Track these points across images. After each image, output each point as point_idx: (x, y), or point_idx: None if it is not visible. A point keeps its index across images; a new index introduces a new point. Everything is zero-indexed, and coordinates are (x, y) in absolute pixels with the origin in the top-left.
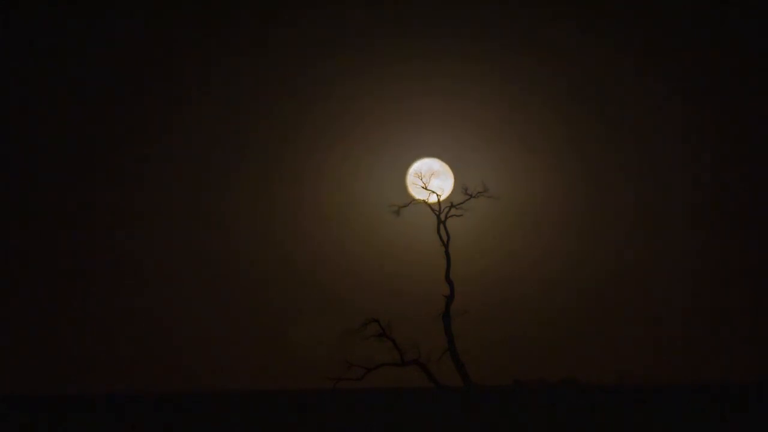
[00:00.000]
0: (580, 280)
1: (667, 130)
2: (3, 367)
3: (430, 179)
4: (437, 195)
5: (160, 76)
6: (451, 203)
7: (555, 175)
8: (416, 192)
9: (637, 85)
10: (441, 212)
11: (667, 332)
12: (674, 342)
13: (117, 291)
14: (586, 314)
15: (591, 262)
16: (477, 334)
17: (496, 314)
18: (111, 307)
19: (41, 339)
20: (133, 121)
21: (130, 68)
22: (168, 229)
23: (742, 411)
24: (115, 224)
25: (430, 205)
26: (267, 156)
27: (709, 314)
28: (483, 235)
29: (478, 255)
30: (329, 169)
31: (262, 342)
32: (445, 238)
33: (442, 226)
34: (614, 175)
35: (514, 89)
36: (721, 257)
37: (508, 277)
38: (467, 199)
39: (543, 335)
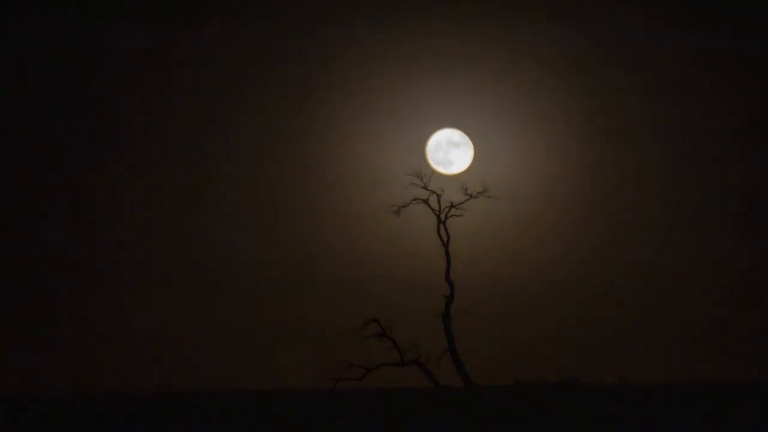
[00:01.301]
0: (580, 280)
1: (702, 126)
2: (3, 367)
3: (449, 150)
4: (438, 195)
5: (153, 67)
6: (451, 203)
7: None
8: (434, 164)
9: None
10: (441, 212)
11: (668, 332)
12: (675, 342)
13: (116, 291)
14: (587, 314)
15: (592, 262)
16: (477, 334)
17: (496, 314)
18: (111, 307)
19: (41, 339)
20: (127, 115)
21: (123, 62)
22: (166, 227)
23: (741, 411)
24: (114, 222)
25: (430, 205)
26: (269, 152)
27: (710, 315)
28: (483, 235)
29: (479, 255)
30: (342, 148)
31: (262, 342)
32: (445, 238)
33: (442, 226)
34: (635, 165)
35: (540, 57)
36: (722, 257)
37: (508, 277)
38: (467, 199)
39: (543, 335)
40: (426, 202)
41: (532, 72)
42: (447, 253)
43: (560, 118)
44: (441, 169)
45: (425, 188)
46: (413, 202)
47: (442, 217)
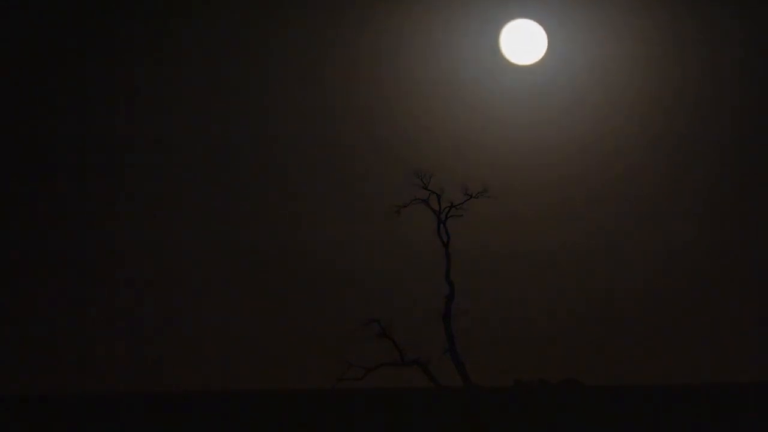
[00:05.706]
0: (581, 280)
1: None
2: (3, 367)
3: (522, 41)
4: (438, 195)
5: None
6: (451, 203)
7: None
8: (507, 53)
9: None
10: (441, 212)
11: (668, 332)
12: (675, 342)
13: (117, 291)
14: (587, 314)
15: (592, 261)
16: (477, 334)
17: (496, 314)
18: (111, 307)
19: (41, 339)
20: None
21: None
22: (165, 227)
23: (742, 411)
24: (116, 219)
25: (429, 205)
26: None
27: (710, 315)
28: (483, 235)
29: (479, 255)
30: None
31: (262, 342)
32: (445, 238)
33: (442, 226)
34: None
35: None
36: (722, 257)
37: (508, 277)
38: (467, 199)
39: (543, 335)
40: (426, 202)
41: None
42: (447, 253)
43: (641, 11)
44: (514, 60)
45: (425, 188)
46: (413, 202)
47: (442, 217)
